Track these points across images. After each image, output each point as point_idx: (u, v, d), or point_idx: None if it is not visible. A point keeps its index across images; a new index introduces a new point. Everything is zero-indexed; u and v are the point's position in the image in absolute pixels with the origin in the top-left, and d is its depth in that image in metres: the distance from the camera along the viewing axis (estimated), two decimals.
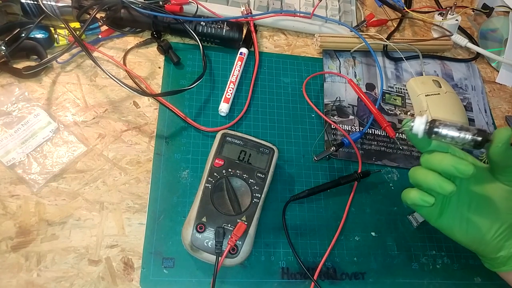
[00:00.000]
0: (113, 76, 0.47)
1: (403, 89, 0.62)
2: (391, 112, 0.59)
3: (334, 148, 0.52)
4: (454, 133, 0.37)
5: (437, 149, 0.40)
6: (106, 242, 0.43)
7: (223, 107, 0.53)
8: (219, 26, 0.57)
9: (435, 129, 0.37)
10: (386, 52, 0.64)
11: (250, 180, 0.44)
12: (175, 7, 0.55)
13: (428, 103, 0.56)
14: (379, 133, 0.56)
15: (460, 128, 0.37)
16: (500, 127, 0.36)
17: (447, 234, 0.42)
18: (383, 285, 0.47)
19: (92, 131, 0.49)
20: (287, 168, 0.52)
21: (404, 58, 0.63)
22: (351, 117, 0.57)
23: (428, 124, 0.37)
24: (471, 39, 0.70)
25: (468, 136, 0.37)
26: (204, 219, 0.41)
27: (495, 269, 0.42)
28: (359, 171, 0.52)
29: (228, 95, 0.54)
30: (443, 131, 0.37)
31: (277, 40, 0.63)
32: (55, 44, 0.53)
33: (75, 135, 0.48)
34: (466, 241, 0.41)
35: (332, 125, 0.55)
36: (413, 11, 0.69)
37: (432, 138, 0.38)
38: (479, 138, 0.36)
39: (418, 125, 0.38)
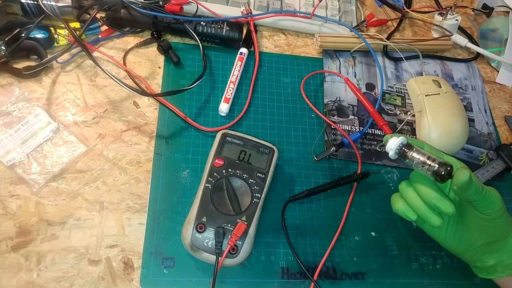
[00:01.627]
0: (113, 76, 0.47)
1: (403, 89, 0.62)
2: (391, 112, 0.59)
3: (334, 148, 0.52)
4: (420, 159, 0.40)
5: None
6: (106, 242, 0.43)
7: (223, 107, 0.53)
8: (219, 26, 0.57)
9: (406, 156, 0.41)
10: (386, 52, 0.64)
11: (250, 180, 0.44)
12: (175, 7, 0.55)
13: (428, 103, 0.56)
14: (379, 133, 0.56)
15: (428, 158, 0.39)
16: (460, 168, 0.38)
17: (431, 237, 0.47)
18: (383, 285, 0.47)
19: (92, 131, 0.49)
20: (287, 168, 0.52)
21: (404, 58, 0.63)
22: (351, 117, 0.57)
23: (399, 146, 0.41)
24: (471, 39, 0.70)
25: (432, 167, 0.39)
26: (204, 219, 0.41)
27: (486, 277, 0.45)
28: (358, 171, 0.52)
29: (228, 95, 0.54)
30: (413, 156, 0.40)
31: (277, 40, 0.63)
32: (55, 44, 0.53)
33: (75, 135, 0.48)
34: (446, 248, 0.46)
35: (332, 125, 0.55)
36: (413, 11, 0.69)
37: (402, 160, 0.41)
38: (442, 173, 0.38)
39: (389, 148, 0.41)
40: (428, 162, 0.39)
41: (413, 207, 0.43)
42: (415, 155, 0.40)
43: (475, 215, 0.41)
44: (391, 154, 0.41)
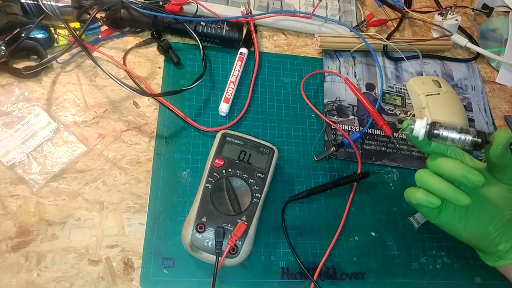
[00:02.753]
0: (113, 76, 0.47)
1: (403, 89, 0.62)
2: (391, 112, 0.59)
3: (334, 148, 0.52)
4: (454, 135, 0.37)
5: (437, 149, 0.40)
6: (106, 242, 0.43)
7: (223, 107, 0.53)
8: (219, 26, 0.57)
9: (436, 131, 0.38)
10: (386, 52, 0.64)
11: (250, 180, 0.44)
12: (175, 7, 0.55)
13: (428, 103, 0.56)
14: (379, 133, 0.56)
15: (460, 131, 0.37)
16: (500, 129, 0.36)
17: (446, 230, 0.43)
18: (383, 285, 0.47)
19: (92, 131, 0.49)
20: (287, 168, 0.52)
21: (404, 58, 0.63)
22: (351, 117, 0.57)
23: (428, 126, 0.38)
24: (471, 39, 0.70)
25: (468, 138, 0.37)
26: (204, 219, 0.41)
27: (494, 264, 0.42)
28: (358, 171, 0.52)
29: (228, 95, 0.54)
30: (444, 133, 0.37)
31: (277, 40, 0.63)
32: (55, 44, 0.53)
33: (75, 135, 0.48)
34: (465, 236, 0.42)
35: (332, 125, 0.55)
36: (413, 11, 0.69)
37: (432, 140, 0.38)
38: (479, 140, 0.37)
39: (418, 128, 0.38)
40: (463, 134, 0.37)
41: (437, 190, 0.39)
42: (446, 132, 0.37)
43: (500, 188, 0.39)
44: (422, 134, 0.38)
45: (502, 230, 0.40)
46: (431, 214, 0.42)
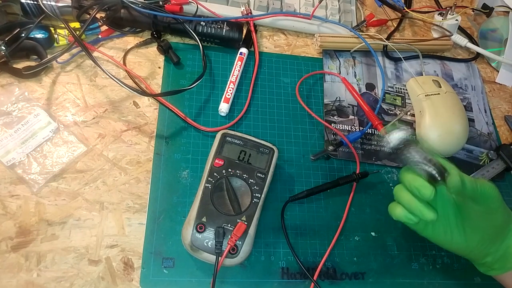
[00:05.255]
0: (113, 76, 0.47)
1: (403, 89, 0.62)
2: (391, 112, 0.59)
3: (332, 147, 0.52)
4: (418, 159, 0.39)
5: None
6: (106, 242, 0.43)
7: (223, 107, 0.53)
8: (219, 26, 0.57)
9: (404, 153, 0.40)
10: (386, 52, 0.64)
11: (250, 180, 0.44)
12: (175, 7, 0.55)
13: (428, 103, 0.56)
14: (379, 133, 0.56)
15: (425, 159, 0.39)
16: (452, 174, 0.38)
17: (435, 243, 0.44)
18: (383, 285, 0.47)
19: (92, 131, 0.49)
20: (287, 168, 0.52)
21: (403, 59, 0.63)
22: (351, 117, 0.57)
23: (400, 141, 0.40)
24: (471, 39, 0.70)
25: (429, 170, 0.39)
26: (204, 219, 0.41)
27: (486, 273, 0.43)
28: (357, 171, 0.52)
29: (228, 95, 0.54)
30: (408, 154, 0.39)
31: (277, 40, 0.63)
32: (55, 44, 0.53)
33: (75, 135, 0.48)
34: (453, 248, 0.43)
35: (325, 125, 0.55)
36: (413, 11, 0.69)
37: (399, 154, 0.40)
38: (435, 176, 0.38)
39: (393, 138, 0.40)
40: (425, 162, 0.39)
41: (407, 205, 0.41)
42: (414, 152, 0.40)
43: (478, 210, 0.40)
44: (392, 144, 0.41)
45: (487, 244, 0.41)
46: (417, 227, 0.43)
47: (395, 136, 0.41)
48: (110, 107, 0.51)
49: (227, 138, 0.46)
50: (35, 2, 0.51)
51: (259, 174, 0.45)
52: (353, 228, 0.49)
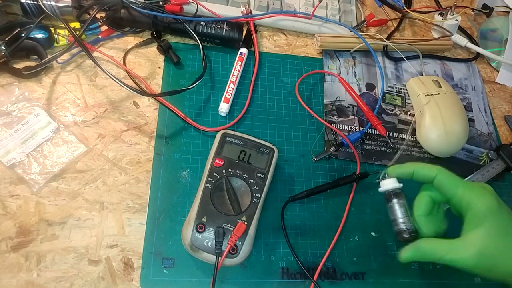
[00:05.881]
0: (113, 76, 0.47)
1: (403, 89, 0.62)
2: (391, 112, 0.59)
3: (334, 148, 0.52)
4: (396, 212, 0.43)
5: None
6: (106, 242, 0.43)
7: (223, 107, 0.53)
8: (219, 26, 0.57)
9: (390, 198, 0.44)
10: (386, 52, 0.64)
11: (250, 180, 0.44)
12: (175, 7, 0.55)
13: (428, 103, 0.56)
14: (379, 133, 0.56)
15: (405, 214, 0.42)
16: (404, 249, 0.41)
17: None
18: (383, 285, 0.47)
19: (92, 131, 0.49)
20: (287, 168, 0.52)
21: (404, 58, 0.63)
22: (351, 117, 0.57)
23: (390, 191, 0.44)
24: (471, 39, 0.70)
25: (400, 223, 0.42)
26: (204, 219, 0.41)
27: None
28: (358, 172, 0.52)
29: (228, 95, 0.54)
30: (391, 204, 0.43)
31: (277, 40, 0.63)
32: (55, 44, 0.53)
33: (75, 135, 0.48)
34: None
35: (326, 125, 0.55)
36: (413, 11, 0.69)
37: (385, 198, 0.44)
38: (401, 235, 0.42)
39: (385, 184, 0.44)
40: (400, 220, 0.42)
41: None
42: (396, 206, 0.43)
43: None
44: (381, 189, 0.44)
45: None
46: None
47: (387, 183, 0.44)
48: (110, 107, 0.51)
49: (227, 138, 0.46)
50: (35, 2, 0.51)
51: (259, 174, 0.45)
52: (353, 228, 0.49)
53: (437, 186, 0.41)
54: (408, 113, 0.60)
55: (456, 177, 0.40)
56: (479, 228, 0.37)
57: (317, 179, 0.52)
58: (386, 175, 0.44)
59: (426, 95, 0.57)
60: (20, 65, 0.51)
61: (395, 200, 0.43)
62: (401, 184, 0.43)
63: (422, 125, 0.55)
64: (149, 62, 0.56)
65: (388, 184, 0.43)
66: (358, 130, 0.56)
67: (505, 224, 0.37)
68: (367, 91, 0.60)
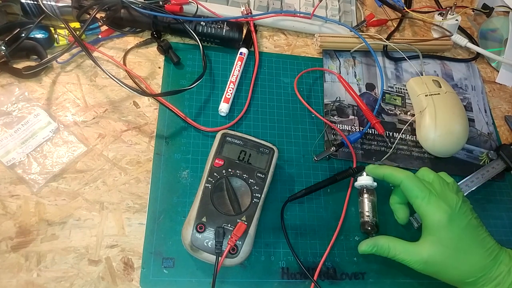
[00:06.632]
0: (113, 76, 0.47)
1: (403, 89, 0.62)
2: (391, 112, 0.59)
3: (334, 148, 0.52)
4: (365, 207, 0.48)
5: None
6: (106, 242, 0.43)
7: (223, 107, 0.53)
8: (219, 26, 0.57)
9: (362, 195, 0.49)
10: (386, 52, 0.64)
11: (250, 180, 0.44)
12: (175, 7, 0.55)
13: (428, 103, 0.56)
14: (378, 132, 0.56)
15: (367, 211, 0.48)
16: (362, 242, 0.46)
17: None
18: (383, 285, 0.47)
19: (92, 131, 0.49)
20: (287, 168, 0.52)
21: (406, 58, 0.63)
22: (351, 117, 0.57)
23: (363, 186, 0.49)
24: (471, 39, 0.70)
25: (363, 220, 0.48)
26: (204, 219, 0.41)
27: None
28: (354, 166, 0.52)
29: (228, 95, 0.54)
30: (363, 199, 0.49)
31: (277, 40, 0.63)
32: (55, 44, 0.53)
33: (75, 135, 0.48)
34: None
35: (328, 124, 0.55)
36: (413, 11, 0.69)
37: (358, 193, 0.50)
38: (362, 230, 0.49)
39: (359, 180, 0.49)
40: (366, 213, 0.48)
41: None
42: (366, 201, 0.48)
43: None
44: (356, 183, 0.49)
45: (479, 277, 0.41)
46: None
47: (361, 179, 0.49)
48: (110, 107, 0.51)
49: (227, 138, 0.46)
50: (35, 2, 0.51)
51: (259, 174, 0.45)
52: (353, 228, 0.49)
53: (403, 191, 0.45)
54: (408, 113, 0.60)
55: (420, 186, 0.43)
56: (431, 237, 0.42)
57: (317, 179, 0.52)
58: (364, 172, 0.49)
59: (426, 95, 0.57)
60: (20, 65, 0.51)
61: (366, 195, 0.49)
62: (375, 184, 0.49)
63: (422, 125, 0.55)
64: (149, 62, 0.56)
65: (362, 180, 0.49)
66: (358, 130, 0.56)
67: (454, 237, 0.41)
68: (367, 91, 0.60)
